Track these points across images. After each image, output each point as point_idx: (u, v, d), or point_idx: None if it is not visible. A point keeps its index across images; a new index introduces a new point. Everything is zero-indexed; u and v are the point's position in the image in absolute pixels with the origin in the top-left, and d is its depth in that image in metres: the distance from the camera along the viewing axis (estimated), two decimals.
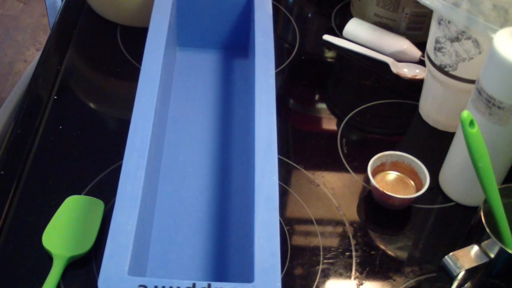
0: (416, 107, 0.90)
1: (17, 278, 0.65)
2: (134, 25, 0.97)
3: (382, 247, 0.72)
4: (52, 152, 0.79)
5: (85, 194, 0.73)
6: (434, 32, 0.78)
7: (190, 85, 0.86)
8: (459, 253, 0.62)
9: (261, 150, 0.64)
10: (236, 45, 0.91)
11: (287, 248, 0.70)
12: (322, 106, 0.91)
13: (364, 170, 0.76)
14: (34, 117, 0.82)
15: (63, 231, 0.68)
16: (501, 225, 0.62)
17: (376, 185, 0.73)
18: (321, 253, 0.70)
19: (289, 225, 0.73)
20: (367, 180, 0.78)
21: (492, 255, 0.61)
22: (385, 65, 0.95)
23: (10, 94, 1.10)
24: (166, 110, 0.80)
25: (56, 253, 0.66)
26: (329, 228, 0.73)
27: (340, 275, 0.69)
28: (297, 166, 0.80)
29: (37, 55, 1.09)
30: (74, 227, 0.69)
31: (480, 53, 0.74)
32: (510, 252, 0.59)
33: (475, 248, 0.62)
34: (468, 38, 0.74)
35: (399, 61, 0.96)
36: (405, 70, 0.95)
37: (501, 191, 0.62)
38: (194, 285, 0.53)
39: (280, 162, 0.77)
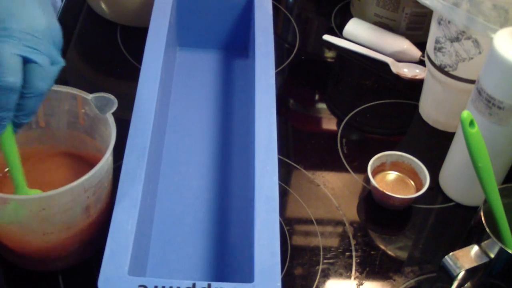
0: (416, 107, 0.90)
1: None
2: (134, 25, 0.97)
3: (382, 247, 0.72)
4: None
5: None
6: (434, 32, 0.78)
7: (190, 85, 0.86)
8: (459, 253, 0.62)
9: (261, 150, 0.64)
10: (236, 45, 0.91)
11: (287, 248, 0.70)
12: (322, 106, 0.91)
13: (364, 170, 0.76)
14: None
15: None
16: (501, 225, 0.62)
17: (376, 185, 0.73)
18: (321, 253, 0.70)
19: (289, 225, 0.73)
20: (367, 180, 0.78)
21: (492, 255, 0.61)
22: (385, 65, 0.95)
23: None
24: (166, 110, 0.80)
25: None
26: (329, 228, 0.73)
27: (340, 275, 0.69)
28: (297, 166, 0.80)
29: None
30: None
31: (480, 53, 0.74)
32: (510, 252, 0.59)
33: (475, 248, 0.62)
34: (468, 38, 0.74)
35: (399, 61, 0.96)
36: (405, 70, 0.95)
37: (501, 191, 0.62)
38: (194, 285, 0.53)
39: (280, 162, 0.77)
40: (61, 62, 0.54)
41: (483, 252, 0.61)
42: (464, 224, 0.74)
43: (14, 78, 0.50)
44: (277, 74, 0.76)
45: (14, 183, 0.59)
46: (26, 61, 0.51)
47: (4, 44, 0.50)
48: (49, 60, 0.52)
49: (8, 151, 0.56)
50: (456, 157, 0.74)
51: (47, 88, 0.53)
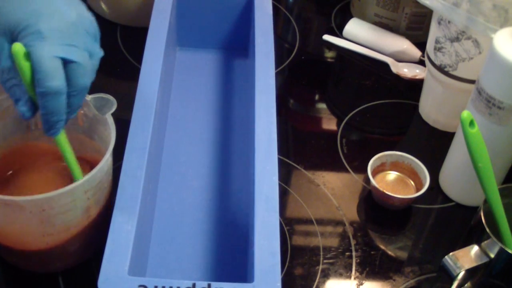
0: (416, 107, 0.90)
1: None
2: (134, 25, 0.97)
3: (382, 247, 0.72)
4: None
5: None
6: (434, 32, 0.78)
7: (190, 85, 0.86)
8: (459, 253, 0.62)
9: (261, 150, 0.64)
10: (236, 45, 0.91)
11: (287, 248, 0.70)
12: (322, 106, 0.91)
13: (364, 170, 0.76)
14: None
15: None
16: (501, 225, 0.62)
17: (376, 185, 0.73)
18: (321, 253, 0.70)
19: (289, 225, 0.73)
20: (367, 180, 0.78)
21: (492, 255, 0.61)
22: (385, 65, 0.95)
23: None
24: (166, 110, 0.80)
25: None
26: (329, 228, 0.73)
27: (340, 275, 0.69)
28: (297, 166, 0.80)
29: None
30: None
31: (480, 53, 0.74)
32: (510, 252, 0.59)
33: (475, 248, 0.62)
34: (468, 38, 0.74)
35: (399, 61, 0.96)
36: (405, 70, 0.95)
37: (501, 191, 0.62)
38: (194, 285, 0.53)
39: (280, 162, 0.77)
40: (100, 53, 0.54)
41: (483, 252, 0.61)
42: (464, 224, 0.74)
43: (57, 81, 0.50)
44: (277, 74, 0.76)
45: (74, 176, 0.60)
46: (65, 61, 0.50)
47: (41, 48, 0.49)
48: (87, 54, 0.52)
49: (64, 149, 0.58)
50: (456, 157, 0.74)
51: (89, 82, 0.53)
